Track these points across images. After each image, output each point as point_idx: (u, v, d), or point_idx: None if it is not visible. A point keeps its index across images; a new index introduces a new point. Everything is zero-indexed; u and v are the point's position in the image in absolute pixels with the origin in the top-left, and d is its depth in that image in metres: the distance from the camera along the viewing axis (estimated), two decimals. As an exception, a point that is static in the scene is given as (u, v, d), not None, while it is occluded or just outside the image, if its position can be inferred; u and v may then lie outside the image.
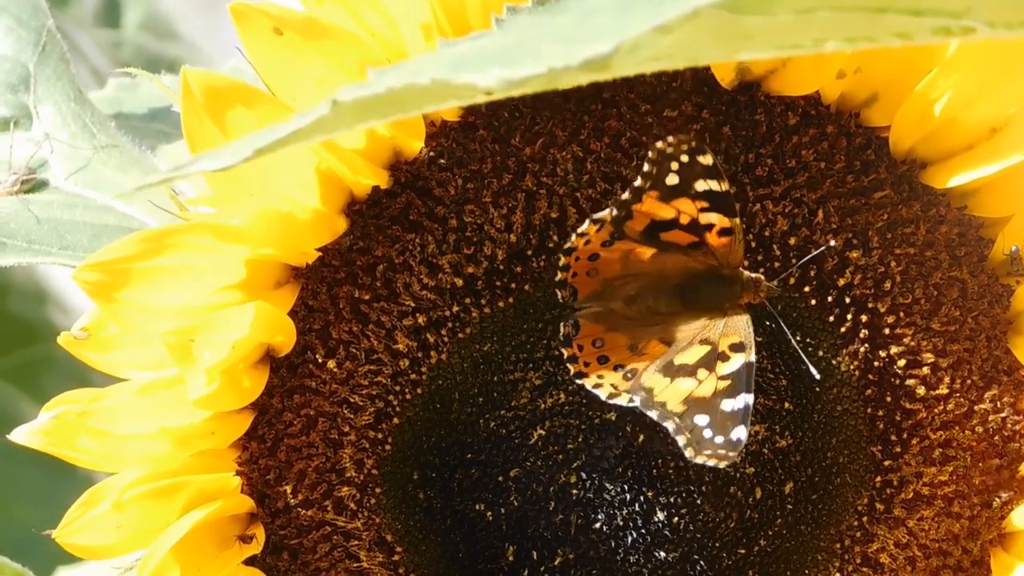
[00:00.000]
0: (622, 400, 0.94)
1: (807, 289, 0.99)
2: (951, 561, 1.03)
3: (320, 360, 0.97)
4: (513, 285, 0.98)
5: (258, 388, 0.96)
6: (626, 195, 0.93)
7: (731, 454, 0.89)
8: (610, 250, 0.95)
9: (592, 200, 0.96)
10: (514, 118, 0.96)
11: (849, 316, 0.99)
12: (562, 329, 0.96)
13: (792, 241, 0.98)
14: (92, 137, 1.23)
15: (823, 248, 0.97)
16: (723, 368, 0.92)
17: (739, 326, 0.94)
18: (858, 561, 1.03)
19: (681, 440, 0.90)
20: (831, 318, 1.00)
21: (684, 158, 0.91)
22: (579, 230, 0.94)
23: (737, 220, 0.93)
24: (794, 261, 0.97)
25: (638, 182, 0.92)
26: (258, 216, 0.90)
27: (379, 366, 0.97)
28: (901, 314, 0.99)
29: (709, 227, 0.93)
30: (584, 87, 0.96)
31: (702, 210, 0.93)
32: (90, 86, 1.57)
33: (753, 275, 0.94)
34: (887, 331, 1.00)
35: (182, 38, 2.35)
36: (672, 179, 0.92)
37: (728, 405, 0.90)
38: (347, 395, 0.97)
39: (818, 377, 0.96)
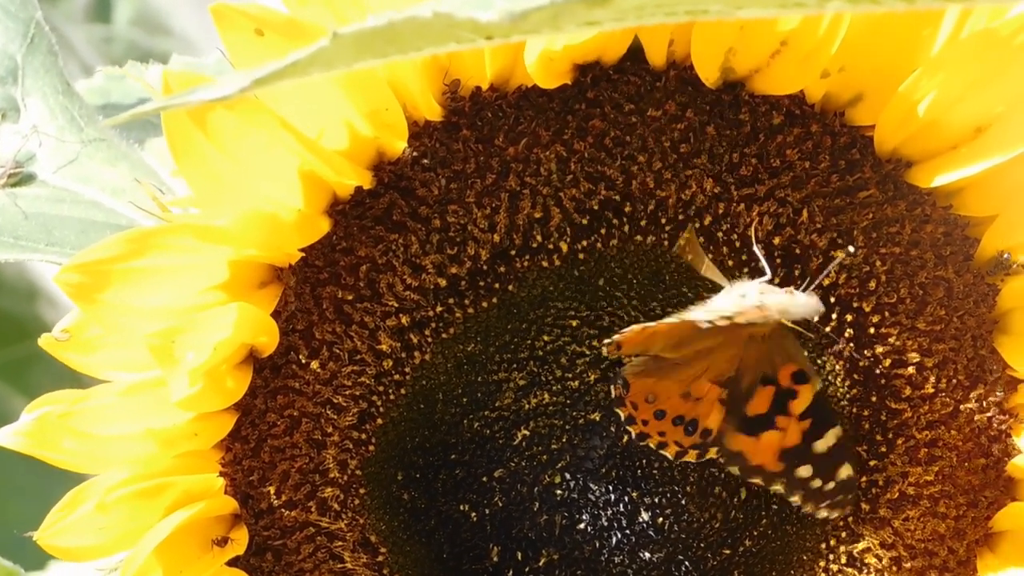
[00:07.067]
0: (691, 458, 0.96)
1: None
2: (937, 561, 1.03)
3: (303, 361, 0.96)
4: (497, 285, 0.97)
5: (241, 389, 0.96)
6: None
7: (849, 497, 0.93)
8: None
9: (576, 200, 0.96)
10: (497, 118, 0.95)
11: (834, 316, 0.99)
12: (613, 392, 0.96)
13: (776, 241, 0.98)
14: (80, 130, 1.22)
15: (842, 258, 0.97)
16: (797, 407, 0.94)
17: (786, 345, 0.94)
18: (843, 561, 1.03)
19: (796, 500, 0.94)
20: (815, 318, 0.99)
21: None
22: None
23: None
24: (779, 262, 0.97)
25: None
26: (242, 217, 0.89)
27: (362, 367, 0.97)
28: (886, 313, 0.99)
29: None
30: (568, 87, 0.95)
31: None
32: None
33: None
34: (872, 331, 0.99)
35: (174, 33, 2.35)
36: None
37: (821, 446, 0.93)
38: (330, 396, 0.97)
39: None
